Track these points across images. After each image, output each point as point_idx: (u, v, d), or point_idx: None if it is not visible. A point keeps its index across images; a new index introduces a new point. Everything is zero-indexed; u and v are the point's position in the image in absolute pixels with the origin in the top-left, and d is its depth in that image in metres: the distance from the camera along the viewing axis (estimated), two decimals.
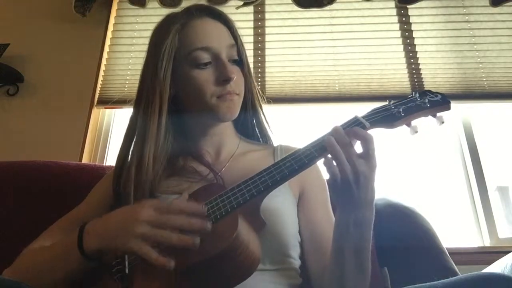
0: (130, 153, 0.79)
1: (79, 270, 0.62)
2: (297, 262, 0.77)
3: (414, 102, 0.68)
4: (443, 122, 0.67)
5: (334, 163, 0.62)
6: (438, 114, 0.68)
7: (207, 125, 0.86)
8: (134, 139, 0.80)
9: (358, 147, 0.63)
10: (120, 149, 0.82)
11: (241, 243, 0.58)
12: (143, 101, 0.80)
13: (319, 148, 0.65)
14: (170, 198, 0.75)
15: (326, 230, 0.78)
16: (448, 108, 0.68)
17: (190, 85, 0.79)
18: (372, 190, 0.63)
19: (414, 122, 0.67)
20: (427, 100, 0.68)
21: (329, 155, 0.63)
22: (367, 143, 0.62)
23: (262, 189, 0.63)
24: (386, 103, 0.69)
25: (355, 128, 0.64)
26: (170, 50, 0.79)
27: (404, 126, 0.67)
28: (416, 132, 0.66)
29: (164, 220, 0.57)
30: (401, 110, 0.66)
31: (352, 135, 0.63)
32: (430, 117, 0.68)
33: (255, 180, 0.64)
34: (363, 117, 0.67)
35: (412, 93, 0.70)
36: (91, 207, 0.82)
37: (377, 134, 0.66)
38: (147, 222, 0.57)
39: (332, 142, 0.62)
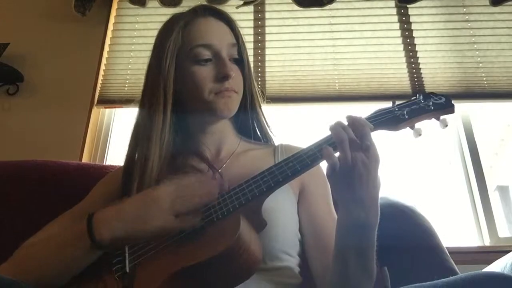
0: (137, 151, 0.79)
1: (84, 260, 0.62)
2: (296, 261, 0.77)
3: (418, 104, 0.67)
4: (446, 125, 0.66)
5: (335, 154, 0.61)
6: (442, 117, 0.67)
7: (206, 122, 0.86)
8: (140, 137, 0.79)
9: None
10: (128, 148, 0.82)
11: (242, 244, 0.58)
12: (148, 98, 0.81)
13: (322, 149, 0.64)
14: None
15: (328, 226, 0.77)
16: (452, 111, 0.67)
17: (190, 81, 0.80)
18: (374, 185, 0.60)
19: (417, 125, 0.67)
20: (431, 103, 0.67)
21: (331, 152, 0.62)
22: (364, 136, 0.60)
23: (264, 189, 0.63)
24: (388, 103, 0.69)
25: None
26: (174, 47, 0.80)
27: (408, 129, 0.67)
28: (420, 135, 0.66)
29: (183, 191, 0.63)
30: (405, 112, 0.66)
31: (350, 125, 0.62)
32: (433, 120, 0.67)
33: (257, 180, 0.64)
34: (367, 118, 0.66)
35: (416, 95, 0.69)
36: (94, 204, 0.80)
37: (379, 134, 0.66)
38: (168, 198, 0.61)
39: (337, 127, 0.61)
